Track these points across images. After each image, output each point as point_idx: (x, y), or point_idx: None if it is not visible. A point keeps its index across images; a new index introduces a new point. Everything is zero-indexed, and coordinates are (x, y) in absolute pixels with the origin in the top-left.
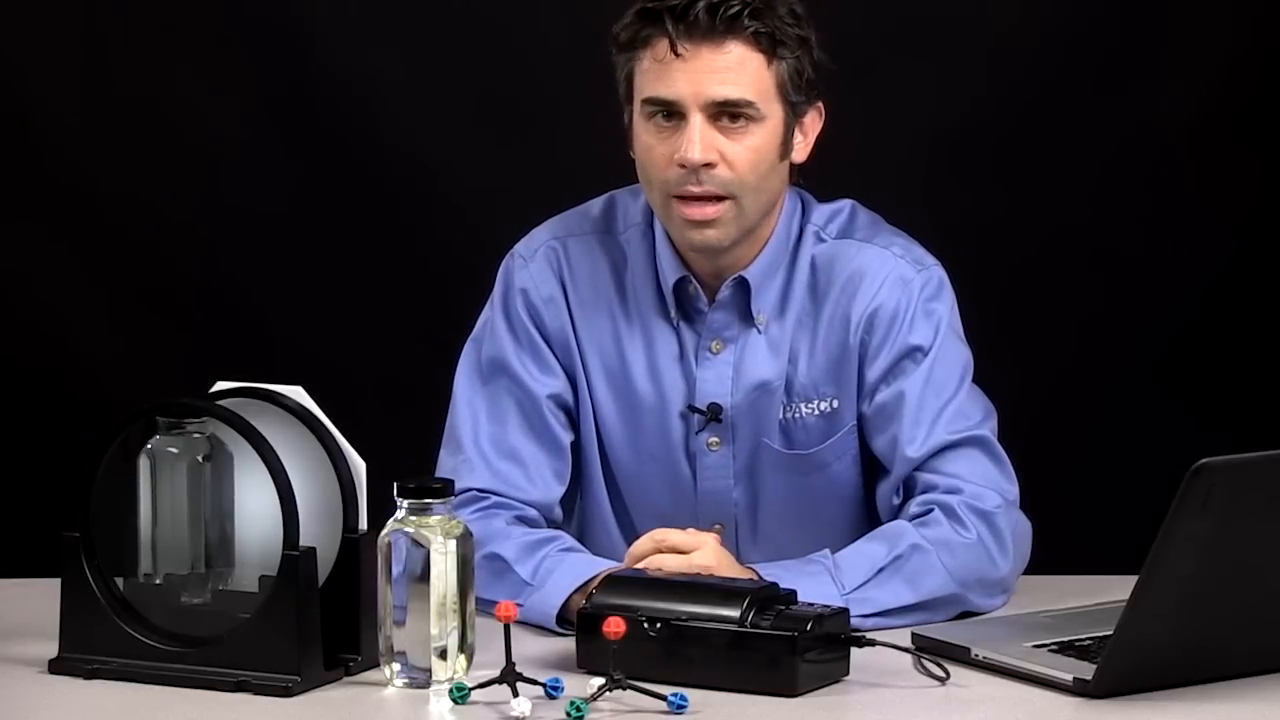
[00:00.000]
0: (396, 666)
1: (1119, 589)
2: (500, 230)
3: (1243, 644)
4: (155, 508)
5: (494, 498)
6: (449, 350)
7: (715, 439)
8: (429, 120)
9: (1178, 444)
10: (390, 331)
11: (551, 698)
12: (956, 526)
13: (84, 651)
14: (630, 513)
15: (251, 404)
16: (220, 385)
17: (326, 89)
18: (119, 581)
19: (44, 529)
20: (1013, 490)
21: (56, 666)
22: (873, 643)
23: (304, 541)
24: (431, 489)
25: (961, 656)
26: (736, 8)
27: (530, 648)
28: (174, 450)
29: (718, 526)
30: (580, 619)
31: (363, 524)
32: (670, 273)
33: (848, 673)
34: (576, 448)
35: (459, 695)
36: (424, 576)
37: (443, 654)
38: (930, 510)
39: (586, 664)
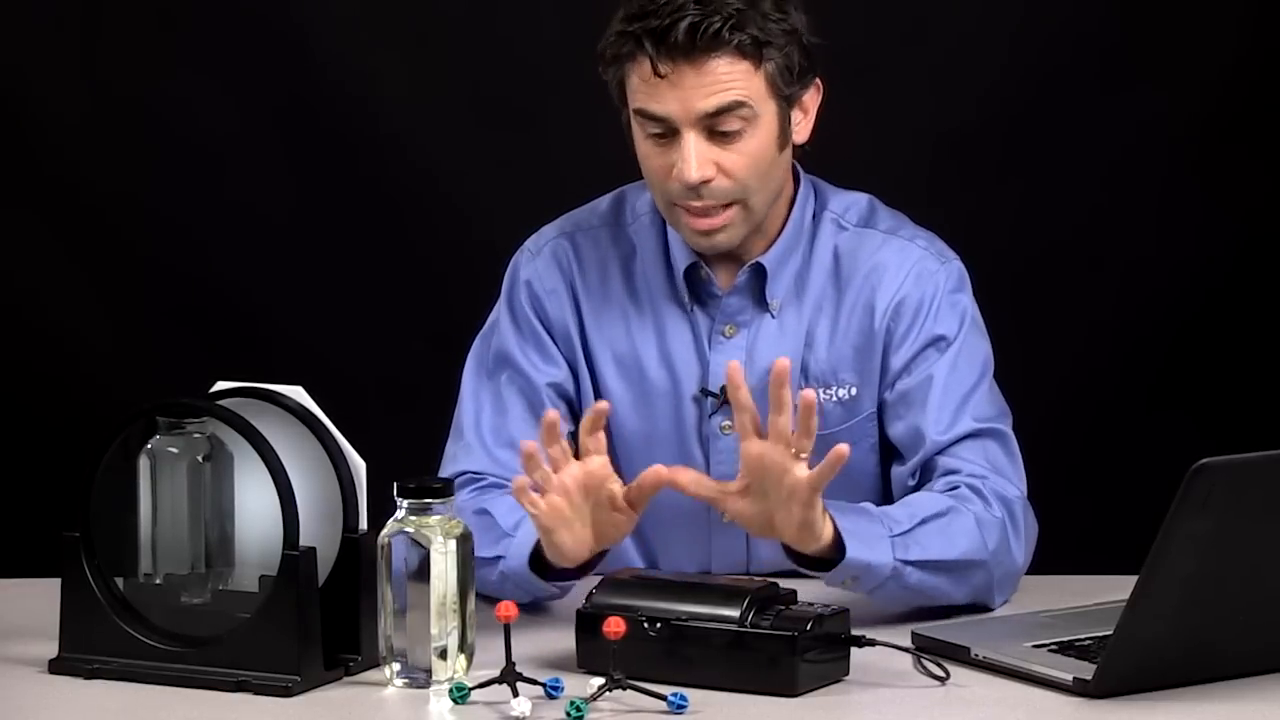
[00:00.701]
0: (396, 666)
1: (1119, 589)
2: (500, 230)
3: (1243, 644)
4: (155, 508)
5: (490, 478)
6: (449, 350)
7: (728, 423)
8: (429, 120)
9: (1178, 444)
10: (390, 331)
11: (551, 698)
12: (985, 505)
13: (84, 651)
14: None
15: (251, 404)
16: (220, 385)
17: (327, 89)
18: (119, 581)
19: (44, 529)
20: (1025, 488)
21: (56, 666)
22: (873, 642)
23: (304, 541)
24: (431, 489)
25: (961, 656)
26: (717, 24)
27: (530, 648)
28: (174, 450)
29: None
30: (580, 619)
31: (363, 524)
32: (682, 259)
33: (848, 673)
34: (575, 438)
35: (459, 695)
36: (424, 576)
37: (443, 654)
38: (957, 488)
39: (586, 664)
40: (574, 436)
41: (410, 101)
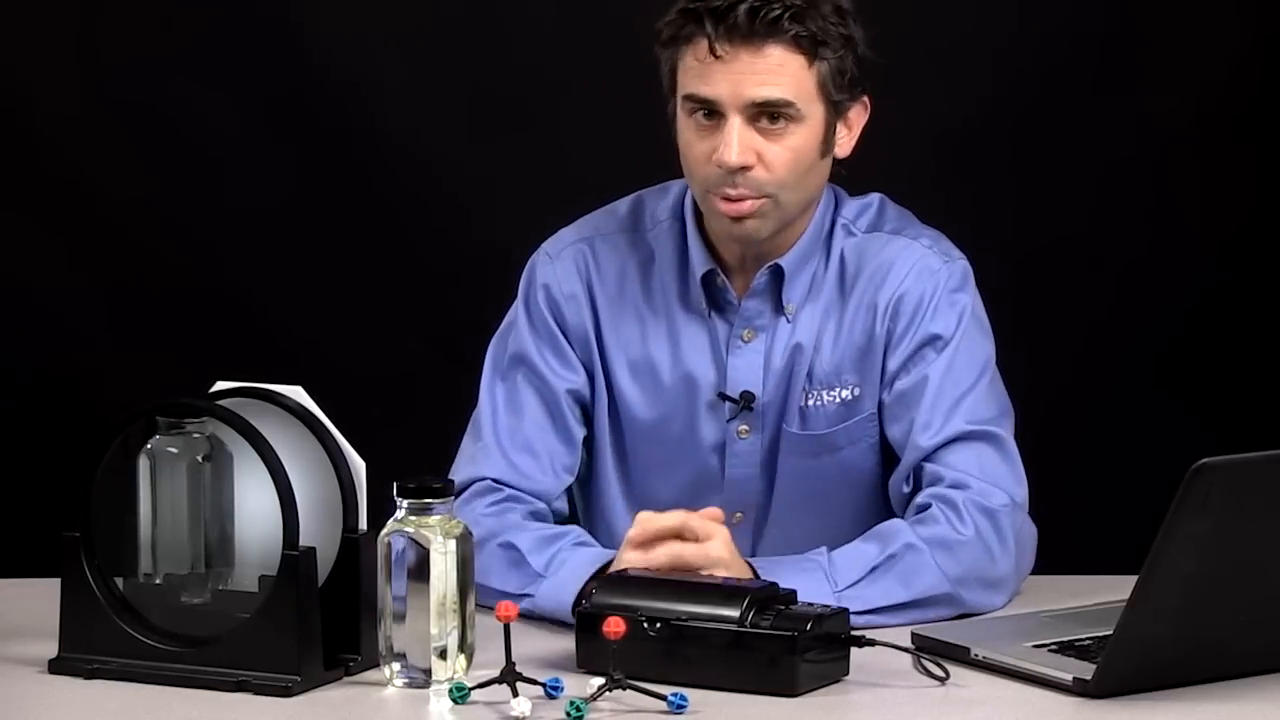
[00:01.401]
0: (396, 666)
1: (1119, 589)
2: (501, 230)
3: (1243, 644)
4: (155, 508)
5: (508, 490)
6: (449, 350)
7: (745, 427)
8: (429, 120)
9: (1179, 444)
10: (390, 331)
11: (551, 698)
12: (955, 523)
13: (84, 651)
14: (647, 507)
15: (251, 404)
16: (220, 385)
17: (326, 88)
18: (119, 581)
19: (44, 529)
20: (1021, 493)
21: (56, 666)
22: (873, 643)
23: (304, 541)
24: (431, 489)
25: (961, 656)
26: (777, 11)
27: (530, 648)
28: (174, 450)
29: (738, 516)
30: (580, 619)
31: (363, 524)
32: (700, 265)
33: (848, 673)
34: (589, 443)
35: (459, 695)
36: (424, 576)
37: (443, 654)
38: (930, 506)
39: (586, 664)
40: (587, 442)
41: (410, 101)
